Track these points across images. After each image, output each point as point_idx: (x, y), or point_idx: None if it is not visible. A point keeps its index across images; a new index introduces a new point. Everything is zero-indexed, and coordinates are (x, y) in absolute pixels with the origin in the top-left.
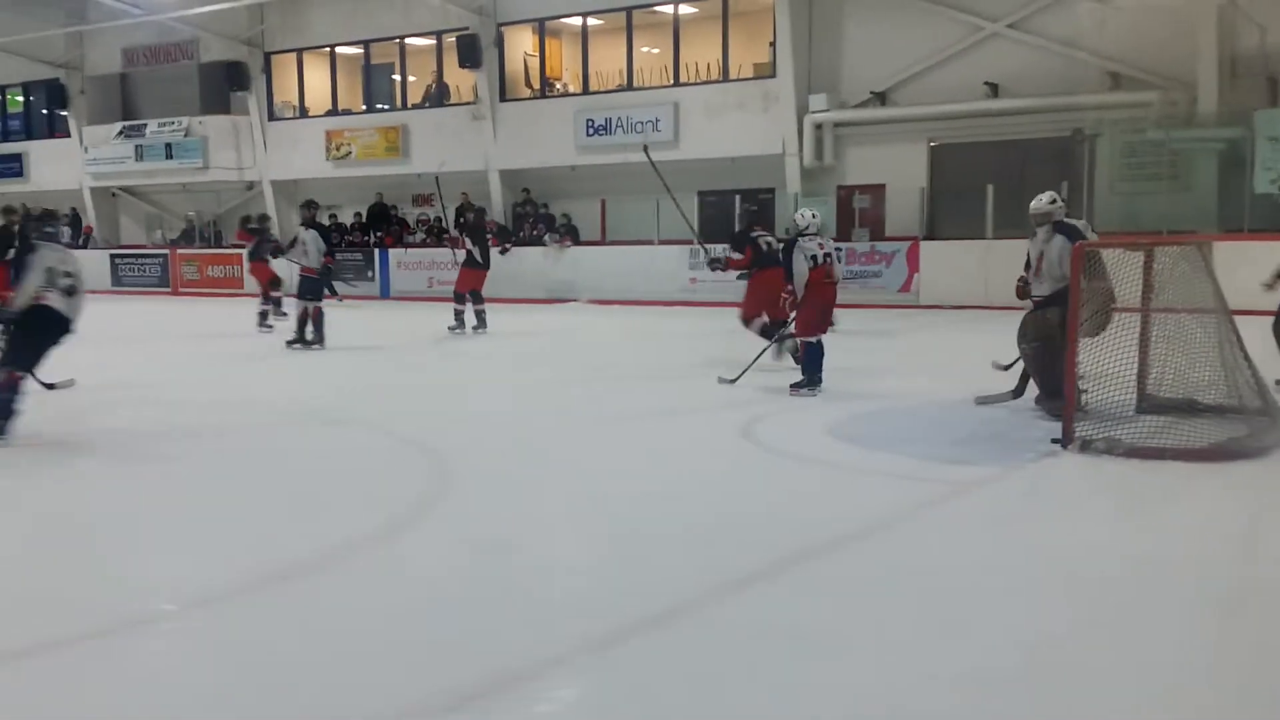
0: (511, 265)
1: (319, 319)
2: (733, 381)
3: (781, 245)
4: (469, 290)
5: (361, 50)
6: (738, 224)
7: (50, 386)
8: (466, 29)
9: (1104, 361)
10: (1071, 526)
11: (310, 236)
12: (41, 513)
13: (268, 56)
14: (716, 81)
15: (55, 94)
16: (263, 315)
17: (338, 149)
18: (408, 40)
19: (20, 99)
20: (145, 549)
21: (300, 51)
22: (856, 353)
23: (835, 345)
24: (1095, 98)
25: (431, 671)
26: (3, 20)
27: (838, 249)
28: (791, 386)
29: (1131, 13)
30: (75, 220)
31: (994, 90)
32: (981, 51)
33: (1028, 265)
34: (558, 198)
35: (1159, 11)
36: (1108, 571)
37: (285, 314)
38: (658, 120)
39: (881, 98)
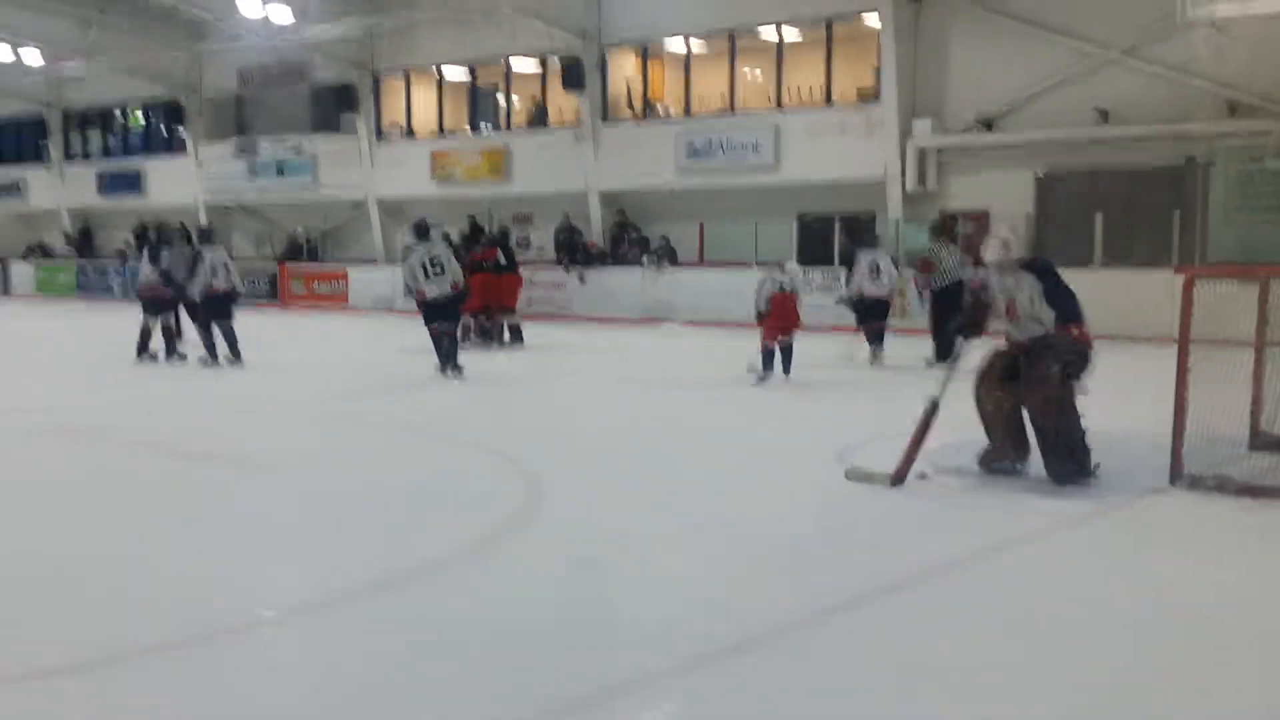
0: (608, 285)
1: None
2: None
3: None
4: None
5: (467, 72)
6: (837, 248)
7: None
8: (571, 52)
9: (1215, 396)
10: (1176, 566)
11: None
12: (154, 517)
13: (376, 78)
14: (819, 106)
15: (174, 113)
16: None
17: (442, 170)
18: (513, 63)
19: (141, 118)
20: (251, 556)
21: (408, 73)
22: (955, 381)
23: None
24: (1210, 125)
25: (517, 687)
26: (125, 41)
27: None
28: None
29: (1250, 40)
30: (186, 235)
31: (1104, 116)
32: (1092, 78)
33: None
34: (657, 219)
35: (1279, 38)
36: (1209, 614)
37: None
38: (758, 143)
39: (988, 123)
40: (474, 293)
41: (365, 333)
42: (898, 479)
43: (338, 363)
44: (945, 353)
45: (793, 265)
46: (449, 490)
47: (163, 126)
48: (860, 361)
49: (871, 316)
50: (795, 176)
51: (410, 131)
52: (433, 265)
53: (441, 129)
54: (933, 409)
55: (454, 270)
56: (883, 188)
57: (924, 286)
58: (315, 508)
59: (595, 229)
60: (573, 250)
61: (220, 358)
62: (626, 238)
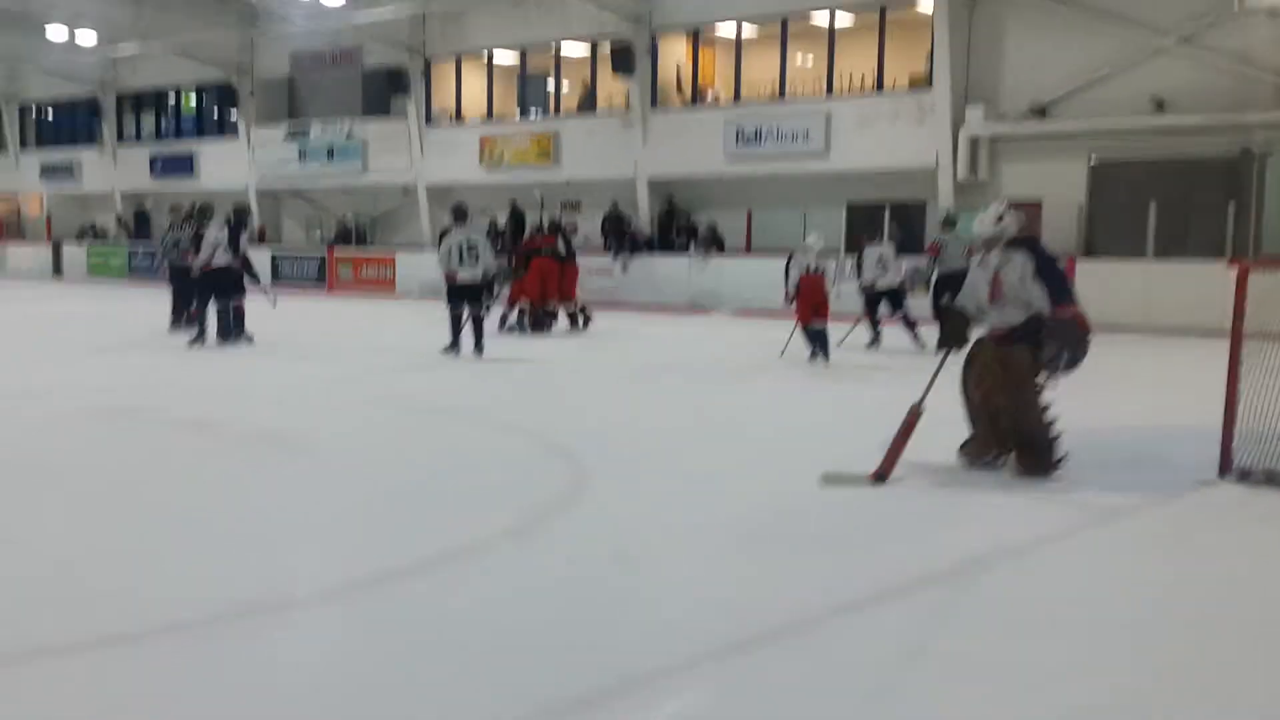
0: (655, 273)
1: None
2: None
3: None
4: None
5: (517, 57)
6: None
7: None
8: (622, 36)
9: (1268, 390)
10: (1218, 561)
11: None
12: (170, 504)
13: (427, 62)
14: (871, 93)
15: (226, 96)
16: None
17: (491, 154)
18: (563, 47)
19: (193, 100)
20: (250, 553)
21: (458, 57)
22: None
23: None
24: (1267, 116)
25: (517, 687)
26: (178, 24)
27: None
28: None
29: None
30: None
31: (1159, 106)
32: (1147, 66)
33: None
34: (704, 207)
35: None
36: (1245, 613)
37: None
38: (808, 131)
39: (1041, 111)
40: (532, 279)
41: (408, 320)
42: (879, 477)
43: (375, 349)
44: (944, 337)
45: (814, 238)
46: (451, 488)
47: (215, 109)
48: (850, 348)
49: (890, 307)
50: (845, 164)
51: (460, 116)
52: (469, 250)
53: (491, 113)
54: (916, 412)
55: (487, 259)
56: (934, 176)
57: (928, 270)
58: (319, 505)
59: (643, 216)
60: (620, 238)
61: (209, 337)
62: (674, 225)
